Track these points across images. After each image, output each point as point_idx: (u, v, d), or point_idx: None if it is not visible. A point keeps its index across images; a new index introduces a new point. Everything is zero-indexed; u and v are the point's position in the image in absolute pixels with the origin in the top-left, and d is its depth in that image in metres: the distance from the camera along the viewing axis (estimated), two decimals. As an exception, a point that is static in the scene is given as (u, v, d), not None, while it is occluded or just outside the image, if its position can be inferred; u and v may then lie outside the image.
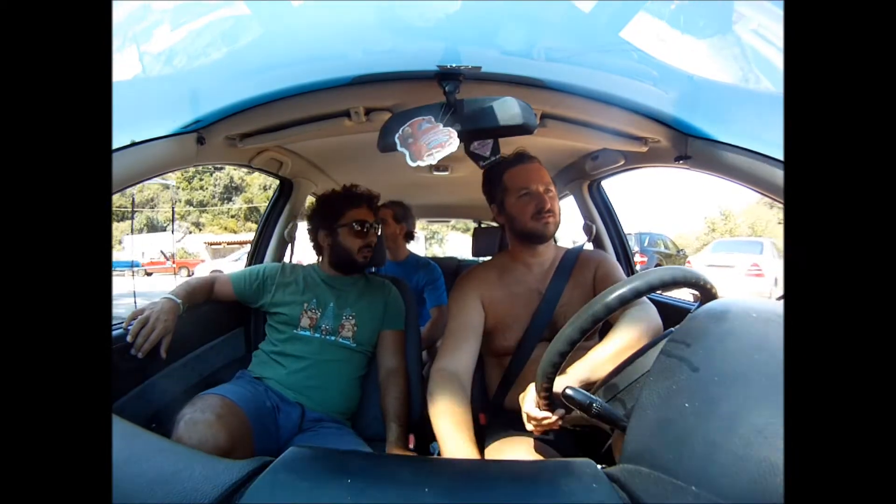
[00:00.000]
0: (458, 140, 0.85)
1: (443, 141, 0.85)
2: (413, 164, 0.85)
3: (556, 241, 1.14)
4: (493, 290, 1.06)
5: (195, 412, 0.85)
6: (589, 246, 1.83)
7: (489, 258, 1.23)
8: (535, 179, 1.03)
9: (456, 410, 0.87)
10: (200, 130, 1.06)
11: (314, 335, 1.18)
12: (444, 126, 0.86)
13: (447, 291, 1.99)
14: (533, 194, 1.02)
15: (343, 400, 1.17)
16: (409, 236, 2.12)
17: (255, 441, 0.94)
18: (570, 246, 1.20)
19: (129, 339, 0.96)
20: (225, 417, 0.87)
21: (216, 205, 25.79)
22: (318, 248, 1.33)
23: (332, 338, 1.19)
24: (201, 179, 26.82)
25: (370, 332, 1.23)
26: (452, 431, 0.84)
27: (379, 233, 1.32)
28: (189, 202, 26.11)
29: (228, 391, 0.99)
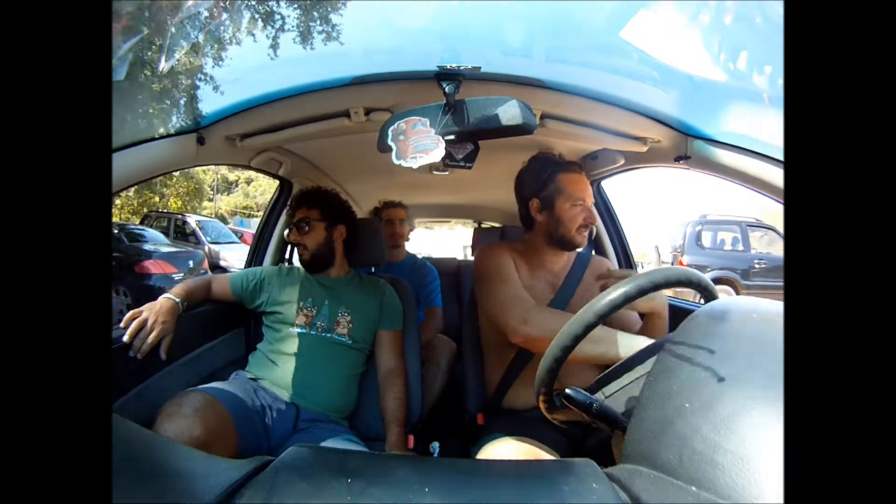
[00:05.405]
0: (444, 148, 0.85)
1: (428, 147, 0.85)
2: (396, 162, 0.85)
3: None
4: (519, 269, 1.07)
5: (174, 406, 0.86)
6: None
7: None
8: (589, 195, 1.07)
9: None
10: (200, 130, 1.06)
11: (309, 332, 1.18)
12: (444, 126, 0.86)
13: (441, 293, 1.99)
14: (585, 208, 1.06)
15: (339, 398, 1.17)
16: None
17: (239, 439, 0.94)
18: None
19: (125, 339, 0.95)
20: (202, 412, 0.87)
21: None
22: None
23: (328, 335, 1.19)
24: (260, 185, 27.45)
25: (365, 330, 1.23)
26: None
27: (307, 229, 1.26)
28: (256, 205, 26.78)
29: (213, 389, 0.99)
